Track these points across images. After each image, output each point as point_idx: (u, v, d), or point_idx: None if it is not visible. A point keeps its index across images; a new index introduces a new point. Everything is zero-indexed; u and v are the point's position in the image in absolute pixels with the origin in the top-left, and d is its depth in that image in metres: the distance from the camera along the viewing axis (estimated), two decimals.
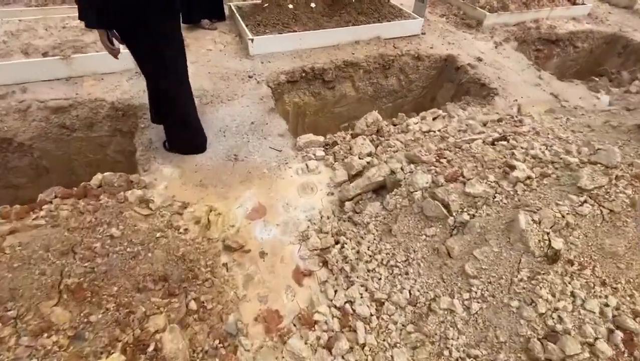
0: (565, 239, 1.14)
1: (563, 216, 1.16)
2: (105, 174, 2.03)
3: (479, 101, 3.16)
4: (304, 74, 3.38)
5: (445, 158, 1.73)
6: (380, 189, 1.94)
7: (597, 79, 3.72)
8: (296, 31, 3.52)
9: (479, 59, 3.82)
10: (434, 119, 2.65)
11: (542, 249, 1.14)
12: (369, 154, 2.28)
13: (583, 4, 5.03)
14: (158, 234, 1.65)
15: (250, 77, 3.17)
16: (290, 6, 3.68)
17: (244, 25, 3.50)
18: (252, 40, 3.32)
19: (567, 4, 4.92)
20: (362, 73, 3.65)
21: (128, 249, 1.47)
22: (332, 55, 3.57)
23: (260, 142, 2.53)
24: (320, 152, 2.41)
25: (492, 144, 1.65)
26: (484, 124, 1.99)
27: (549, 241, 1.13)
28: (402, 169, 1.79)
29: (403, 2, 5.07)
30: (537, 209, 1.21)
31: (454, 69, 3.78)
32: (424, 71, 3.87)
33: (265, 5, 3.66)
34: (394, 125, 2.63)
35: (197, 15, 3.71)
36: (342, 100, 3.74)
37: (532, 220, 1.17)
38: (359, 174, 2.15)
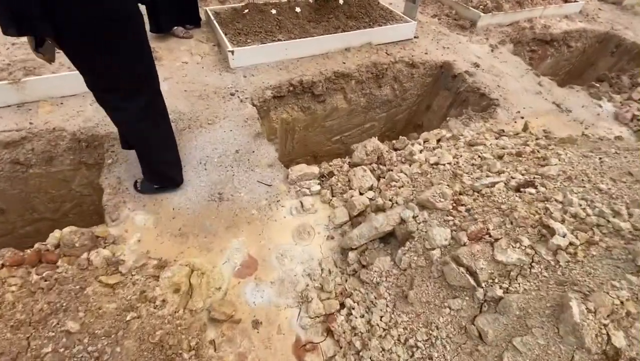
0: (625, 332, 0.94)
1: (622, 303, 0.97)
2: (65, 231, 1.71)
3: (481, 115, 2.95)
4: (291, 88, 3.08)
5: (463, 205, 1.50)
6: (388, 236, 1.70)
7: (597, 84, 3.58)
8: (281, 40, 3.20)
9: (476, 65, 3.61)
10: (438, 141, 2.43)
11: (599, 345, 0.94)
12: (371, 188, 2.04)
13: (575, 1, 4.89)
14: (129, 316, 1.36)
15: (232, 94, 2.85)
16: (274, 12, 3.35)
17: (222, 34, 3.16)
18: (232, 52, 2.99)
19: (560, 2, 4.76)
20: (354, 84, 3.38)
21: (89, 348, 1.19)
22: (321, 65, 3.28)
23: (248, 175, 2.24)
24: (315, 186, 2.14)
25: (518, 190, 1.44)
26: (500, 157, 1.78)
27: (608, 336, 0.93)
28: (414, 218, 1.55)
29: (392, 1, 4.81)
30: (589, 291, 1.00)
31: (450, 76, 3.55)
32: (419, 79, 3.64)
33: (246, 11, 3.32)
34: (395, 150, 2.39)
35: (168, 22, 3.33)
36: (334, 113, 3.47)
37: (587, 309, 0.96)
38: (361, 213, 1.91)
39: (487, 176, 1.60)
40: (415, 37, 3.88)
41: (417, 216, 1.56)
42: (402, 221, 1.59)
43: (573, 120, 3.05)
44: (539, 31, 4.38)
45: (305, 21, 3.44)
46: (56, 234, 1.72)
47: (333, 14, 3.56)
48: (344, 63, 3.35)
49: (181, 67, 3.09)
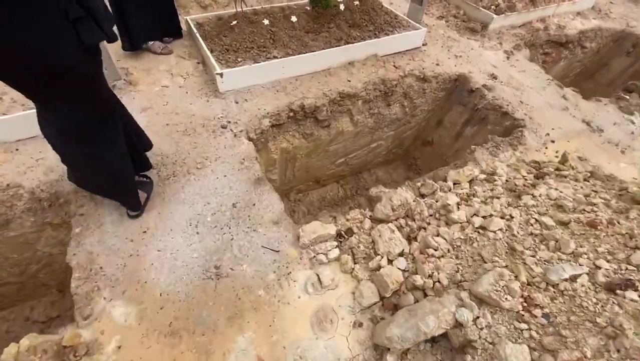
0: None
1: None
2: (22, 345, 1.32)
3: (508, 140, 2.61)
4: (291, 114, 2.68)
5: (538, 307, 1.17)
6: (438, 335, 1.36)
7: (627, 96, 3.28)
8: (277, 57, 2.77)
9: (494, 77, 3.25)
10: (470, 182, 2.08)
11: None
12: (402, 254, 1.69)
13: None
14: None
15: (223, 127, 2.43)
16: (266, 22, 2.90)
17: (208, 52, 2.71)
18: (221, 75, 2.55)
19: None
20: (361, 104, 2.99)
21: None
22: (323, 84, 2.87)
23: (250, 238, 1.86)
24: (333, 251, 1.78)
25: (611, 290, 1.12)
26: (564, 225, 1.45)
27: None
28: (474, 321, 1.21)
29: (393, 1, 4.38)
30: None
31: (466, 91, 3.20)
32: (431, 94, 3.27)
33: (234, 22, 2.86)
34: (422, 196, 2.04)
35: (143, 37, 2.85)
36: (339, 137, 3.08)
37: None
38: (395, 293, 1.57)
39: (560, 260, 1.27)
40: (423, 44, 3.49)
41: (478, 318, 1.22)
42: (458, 323, 1.25)
43: (607, 141, 2.75)
44: (553, 32, 4.05)
45: (302, 32, 3.00)
46: (12, 349, 1.32)
47: (334, 22, 3.13)
48: (349, 81, 2.94)
49: (161, 93, 2.63)
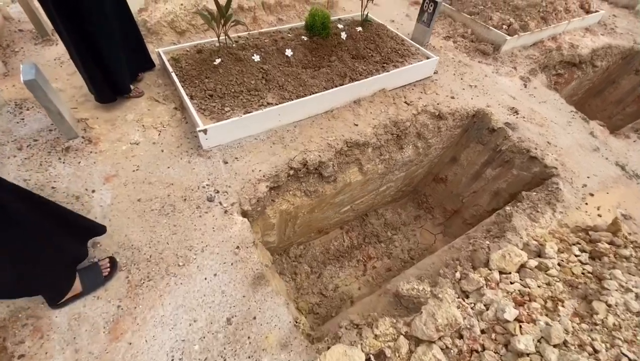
0: None
1: None
2: None
3: (545, 198, 2.26)
4: (292, 172, 2.23)
5: None
6: None
7: None
8: (272, 103, 2.31)
9: (515, 111, 2.90)
10: (518, 269, 1.71)
11: None
12: None
13: (596, 11, 4.28)
14: None
15: (210, 199, 1.96)
16: (257, 58, 2.43)
17: (188, 100, 2.22)
18: (204, 131, 2.07)
19: (582, 14, 4.13)
20: (370, 152, 2.57)
21: None
22: (327, 130, 2.43)
23: None
24: None
25: None
26: None
27: None
28: None
29: (394, 18, 3.96)
30: None
31: (486, 129, 2.83)
32: (447, 132, 2.88)
33: (218, 61, 2.37)
34: (466, 295, 1.65)
35: (129, 77, 2.34)
36: (345, 188, 2.66)
37: None
38: None
39: None
40: (434, 72, 3.10)
41: None
42: None
43: None
44: (567, 52, 3.74)
45: (299, 68, 2.54)
46: None
47: (335, 54, 2.68)
48: (356, 125, 2.51)
49: (130, 153, 2.13)
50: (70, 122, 2.07)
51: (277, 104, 2.32)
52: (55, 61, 2.72)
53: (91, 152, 2.10)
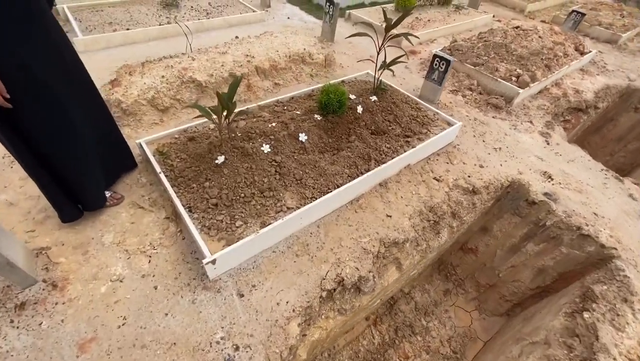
0: None
1: None
2: None
3: (619, 293, 1.94)
4: (325, 294, 1.77)
5: None
6: None
7: None
8: (291, 207, 1.87)
9: (548, 176, 2.65)
10: None
11: None
12: None
13: (589, 51, 4.29)
14: None
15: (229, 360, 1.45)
16: (266, 149, 2.00)
17: (186, 216, 1.73)
18: (213, 262, 1.58)
19: (578, 55, 4.10)
20: (408, 246, 2.17)
21: None
22: (358, 229, 2.01)
23: None
24: None
25: None
26: None
27: None
28: None
29: (394, 70, 3.71)
30: None
31: (524, 201, 2.54)
32: (481, 206, 2.56)
33: (220, 160, 1.91)
34: None
35: (102, 187, 1.80)
36: (381, 291, 2.22)
37: None
38: None
39: None
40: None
41: None
42: None
43: None
44: (573, 99, 3.63)
45: (316, 154, 2.14)
46: None
47: (353, 132, 2.31)
48: (390, 217, 2.12)
49: (112, 297, 1.59)
50: (25, 266, 1.52)
51: (298, 207, 1.88)
52: (3, 159, 2.15)
53: (57, 303, 1.54)
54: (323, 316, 1.89)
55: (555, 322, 2.01)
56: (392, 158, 2.25)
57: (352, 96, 2.47)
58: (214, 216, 1.76)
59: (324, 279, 1.79)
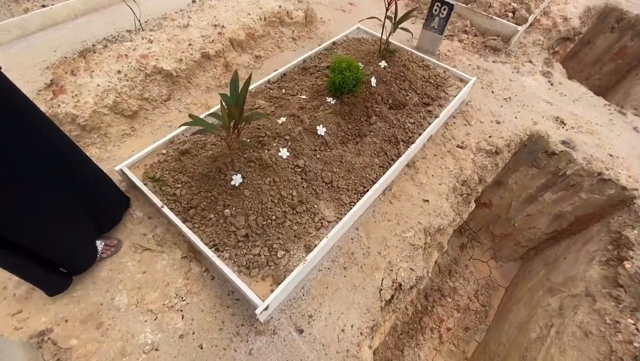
0: None
1: None
2: None
3: None
4: (384, 305, 1.64)
5: None
6: None
7: None
8: (329, 221, 1.62)
9: (560, 122, 2.58)
10: None
11: None
12: None
13: None
14: None
15: None
16: (285, 154, 1.66)
17: (215, 259, 1.43)
18: (265, 309, 1.35)
19: None
20: (449, 227, 2.05)
21: None
22: (400, 223, 1.84)
23: None
24: None
25: None
26: None
27: None
28: None
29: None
30: None
31: (543, 153, 2.47)
32: (502, 165, 2.47)
33: (238, 181, 1.55)
34: None
35: (92, 248, 1.40)
36: None
37: None
38: None
39: None
40: None
41: None
42: None
43: None
44: (563, 29, 3.48)
45: (340, 147, 1.84)
46: None
47: (372, 110, 2.00)
48: (427, 201, 1.95)
49: None
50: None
51: (337, 217, 1.64)
52: None
53: None
54: (385, 323, 1.78)
55: (591, 272, 2.08)
56: (419, 135, 2.01)
57: (360, 65, 2.11)
58: (249, 250, 1.47)
59: (381, 289, 1.64)
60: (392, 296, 1.68)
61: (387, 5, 1.95)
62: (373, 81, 2.03)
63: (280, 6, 2.70)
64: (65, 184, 1.26)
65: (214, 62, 2.32)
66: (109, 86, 1.95)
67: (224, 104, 1.36)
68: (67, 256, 1.38)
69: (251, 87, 2.16)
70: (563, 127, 2.55)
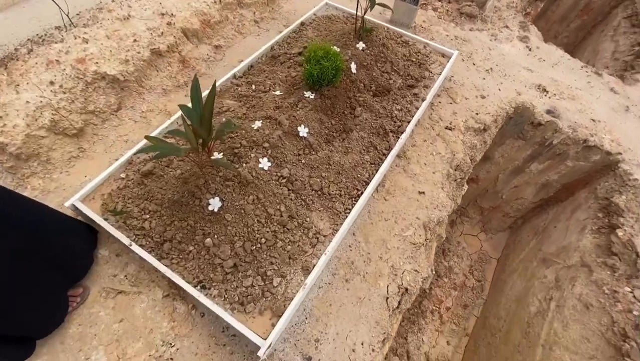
0: None
1: None
2: None
3: (632, 198, 2.03)
4: (392, 312, 1.54)
5: None
6: None
7: None
8: (325, 235, 1.47)
9: (543, 89, 2.52)
10: None
11: None
12: None
13: None
14: None
15: None
16: (266, 164, 1.46)
17: (205, 300, 1.25)
18: (268, 347, 1.20)
19: None
20: (446, 217, 1.96)
21: None
22: (397, 222, 1.72)
23: None
24: None
25: None
26: None
27: None
28: None
29: None
30: None
31: (529, 124, 2.41)
32: (490, 141, 2.39)
33: (217, 205, 1.33)
34: None
35: (61, 299, 1.17)
36: None
37: None
38: None
39: None
40: None
41: None
42: None
43: None
44: None
45: (325, 148, 1.65)
46: None
47: (355, 100, 1.81)
48: (422, 193, 1.84)
49: None
50: None
51: (333, 228, 1.49)
52: None
53: None
54: (392, 327, 1.70)
55: (584, 241, 2.10)
56: (408, 122, 1.86)
57: (336, 49, 1.88)
58: (240, 282, 1.30)
59: (388, 297, 1.54)
60: (399, 302, 1.58)
61: None
62: (353, 67, 1.83)
63: None
64: (10, 232, 1.01)
65: (168, 58, 2.00)
66: (41, 102, 1.62)
67: (187, 121, 1.13)
68: (26, 320, 1.15)
69: (217, 83, 1.89)
70: (546, 95, 2.49)
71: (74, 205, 1.42)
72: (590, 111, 2.46)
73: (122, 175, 1.54)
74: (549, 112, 2.37)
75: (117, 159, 1.70)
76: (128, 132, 1.84)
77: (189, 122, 1.13)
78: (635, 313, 1.67)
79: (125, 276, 1.44)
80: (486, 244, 3.11)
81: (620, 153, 2.23)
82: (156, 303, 1.39)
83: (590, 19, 4.29)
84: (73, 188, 1.62)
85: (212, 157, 1.31)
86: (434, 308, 2.69)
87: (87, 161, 1.73)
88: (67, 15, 1.96)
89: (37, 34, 2.05)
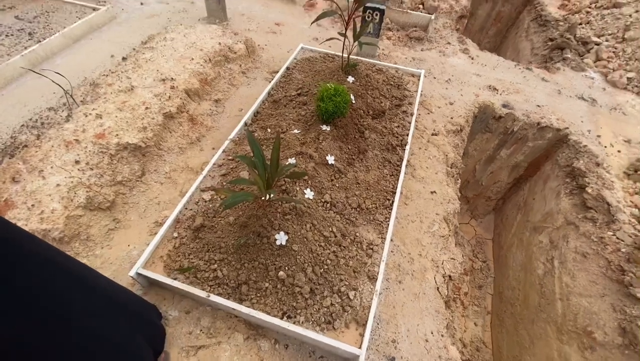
0: None
1: None
2: None
3: (591, 161, 2.49)
4: (445, 299, 1.74)
5: None
6: None
7: (566, 54, 3.61)
8: (375, 244, 1.64)
9: (493, 88, 3.01)
10: None
11: None
12: None
13: None
14: None
15: None
16: (309, 194, 1.62)
17: (294, 327, 1.34)
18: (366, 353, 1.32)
19: None
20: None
21: None
22: (423, 221, 1.95)
23: None
24: None
25: None
26: None
27: None
28: None
29: (315, 35, 3.34)
30: None
31: (492, 118, 2.86)
32: (465, 138, 2.78)
33: (283, 240, 1.45)
34: None
35: None
36: None
37: None
38: None
39: None
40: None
41: None
42: None
43: (612, 109, 3.01)
44: (458, 8, 4.02)
45: (352, 170, 1.86)
46: None
47: (362, 126, 2.06)
48: (434, 193, 2.11)
49: None
50: None
51: (381, 237, 1.68)
52: None
53: None
54: (452, 313, 1.88)
55: (563, 204, 2.51)
56: (407, 135, 2.15)
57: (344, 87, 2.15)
58: (320, 305, 1.41)
59: (438, 287, 1.73)
60: (448, 288, 1.79)
61: (345, 24, 2.02)
62: (352, 98, 2.10)
63: (219, 43, 2.57)
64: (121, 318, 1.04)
65: (178, 119, 2.11)
66: (72, 182, 1.64)
67: (255, 170, 1.27)
68: None
69: (232, 134, 2.03)
70: (498, 93, 2.98)
71: (137, 273, 1.44)
72: (534, 99, 2.99)
73: (175, 235, 1.59)
74: (504, 106, 2.84)
75: (155, 222, 1.75)
76: (157, 195, 1.89)
77: (256, 172, 1.28)
78: (623, 250, 2.05)
79: (201, 330, 1.47)
80: (479, 228, 3.48)
81: (567, 127, 2.74)
82: (239, 348, 1.44)
83: (503, 25, 5.16)
84: (119, 259, 1.63)
85: (272, 196, 1.45)
86: (455, 296, 2.92)
87: (125, 231, 1.74)
88: (72, 96, 2.00)
89: (30, 119, 2.06)
